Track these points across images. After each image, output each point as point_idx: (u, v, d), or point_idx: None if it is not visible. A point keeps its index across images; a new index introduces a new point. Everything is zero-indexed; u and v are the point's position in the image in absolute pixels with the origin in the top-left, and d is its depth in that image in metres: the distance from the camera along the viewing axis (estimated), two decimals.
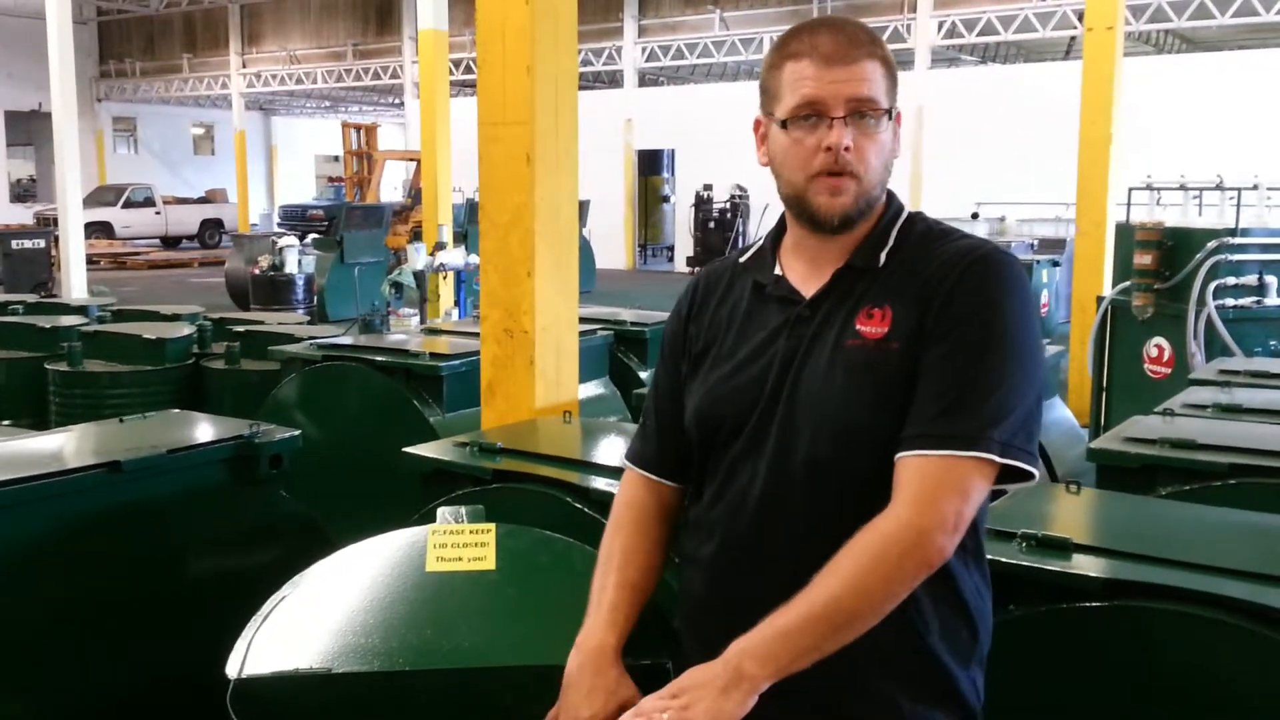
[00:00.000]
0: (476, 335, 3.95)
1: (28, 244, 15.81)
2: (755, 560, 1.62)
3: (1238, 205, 6.51)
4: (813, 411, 1.58)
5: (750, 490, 1.62)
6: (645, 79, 25.54)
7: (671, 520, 1.80)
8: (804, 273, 1.67)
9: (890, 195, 1.68)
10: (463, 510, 2.02)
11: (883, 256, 1.62)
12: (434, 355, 4.12)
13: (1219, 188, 7.11)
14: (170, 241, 29.39)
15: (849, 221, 1.61)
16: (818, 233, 1.64)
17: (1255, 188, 6.98)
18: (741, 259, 1.77)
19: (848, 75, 1.55)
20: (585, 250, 15.39)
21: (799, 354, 1.61)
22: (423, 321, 9.80)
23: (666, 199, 26.15)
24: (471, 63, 23.32)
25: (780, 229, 1.74)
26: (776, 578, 1.57)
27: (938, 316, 1.54)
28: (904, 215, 1.67)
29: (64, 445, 2.88)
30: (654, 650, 1.79)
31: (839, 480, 1.56)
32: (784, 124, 1.59)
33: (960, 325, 1.52)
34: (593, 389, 4.48)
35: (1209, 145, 14.92)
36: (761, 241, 1.77)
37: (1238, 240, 6.16)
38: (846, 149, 1.56)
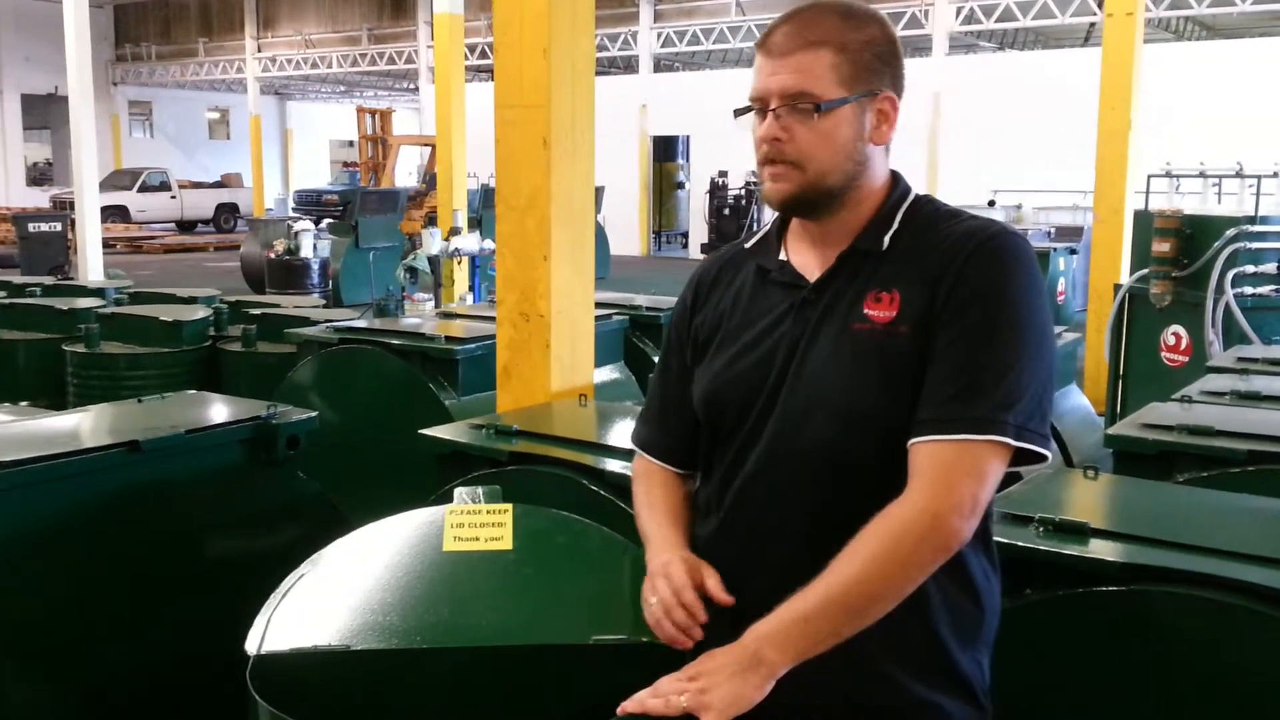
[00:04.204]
0: (491, 320, 3.95)
1: (44, 227, 15.87)
2: (758, 542, 1.62)
3: (1257, 193, 6.47)
4: (818, 395, 1.57)
5: (755, 473, 1.62)
6: (660, 64, 25.46)
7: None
8: (808, 257, 1.67)
9: (897, 177, 1.67)
10: (480, 490, 2.02)
11: (887, 239, 1.61)
12: (449, 339, 4.13)
13: (1238, 175, 7.06)
14: (186, 226, 29.48)
15: (797, 206, 1.63)
16: (786, 215, 1.68)
17: (1275, 175, 6.93)
18: (747, 245, 1.78)
19: (782, 68, 1.58)
20: (600, 237, 15.36)
21: (804, 338, 1.60)
22: (437, 306, 9.81)
23: (681, 185, 26.10)
24: (486, 48, 23.31)
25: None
26: (779, 560, 1.58)
27: (947, 299, 1.52)
28: (910, 198, 1.66)
29: (83, 425, 2.90)
30: None
31: (843, 464, 1.56)
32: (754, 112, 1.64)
33: (970, 308, 1.51)
34: (608, 373, 4.49)
35: (1229, 132, 14.78)
36: (768, 228, 1.77)
37: (1257, 228, 6.12)
38: (777, 140, 1.58)
